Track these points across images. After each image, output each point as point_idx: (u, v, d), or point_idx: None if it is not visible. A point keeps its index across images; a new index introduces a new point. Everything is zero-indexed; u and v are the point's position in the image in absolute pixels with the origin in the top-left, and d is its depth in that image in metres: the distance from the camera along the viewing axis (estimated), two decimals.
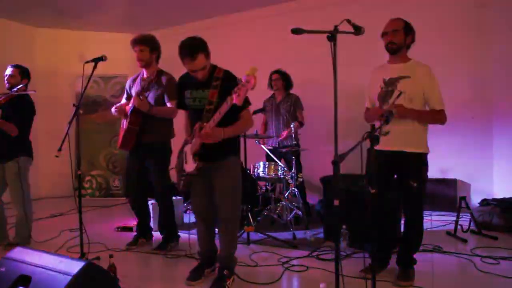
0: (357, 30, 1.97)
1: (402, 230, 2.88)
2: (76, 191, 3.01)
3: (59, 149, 2.71)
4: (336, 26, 1.81)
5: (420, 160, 2.49)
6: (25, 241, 3.53)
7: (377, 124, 2.52)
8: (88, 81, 2.91)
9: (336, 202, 1.79)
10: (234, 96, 2.06)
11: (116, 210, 5.29)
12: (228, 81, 2.39)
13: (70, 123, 2.87)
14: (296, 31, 1.76)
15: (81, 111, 5.96)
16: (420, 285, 2.45)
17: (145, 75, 3.29)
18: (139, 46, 3.16)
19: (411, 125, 2.47)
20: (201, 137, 2.33)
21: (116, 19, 6.07)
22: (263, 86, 4.70)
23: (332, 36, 1.79)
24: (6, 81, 3.51)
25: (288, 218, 3.93)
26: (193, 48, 2.32)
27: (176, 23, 6.22)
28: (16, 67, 3.55)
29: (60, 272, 1.76)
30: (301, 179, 4.21)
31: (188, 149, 2.53)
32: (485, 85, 4.46)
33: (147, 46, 3.18)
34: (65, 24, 6.18)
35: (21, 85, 3.48)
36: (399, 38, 2.50)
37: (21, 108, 3.45)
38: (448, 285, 2.54)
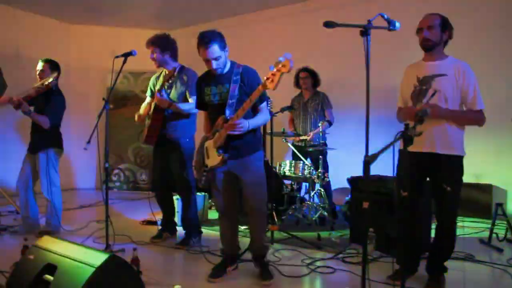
0: (391, 25, 1.89)
1: (433, 235, 2.76)
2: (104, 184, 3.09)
3: (88, 142, 2.75)
4: (369, 21, 1.73)
5: (454, 163, 2.36)
6: (55, 230, 3.64)
7: (410, 124, 2.44)
8: (118, 75, 2.95)
9: (366, 205, 1.70)
10: (267, 82, 2.05)
11: (142, 204, 5.37)
12: (248, 75, 2.45)
13: (99, 116, 2.92)
14: (328, 24, 1.70)
15: (111, 106, 6.18)
16: None
17: (166, 73, 3.31)
18: (150, 47, 3.22)
19: (445, 125, 2.35)
20: (227, 128, 2.33)
21: (147, 16, 6.16)
22: (287, 83, 4.65)
23: (365, 31, 1.72)
24: (38, 76, 3.62)
25: (313, 219, 3.86)
26: (208, 37, 2.36)
27: (206, 20, 6.25)
28: (45, 61, 3.65)
29: (84, 263, 1.78)
30: (327, 179, 4.13)
31: (209, 144, 2.53)
32: None
33: (157, 47, 3.22)
34: (98, 20, 6.33)
35: (51, 79, 3.57)
36: (435, 35, 2.37)
37: (52, 101, 3.56)
38: None
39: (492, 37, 4.29)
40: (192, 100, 3.18)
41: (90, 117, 6.40)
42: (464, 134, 2.42)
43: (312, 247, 3.28)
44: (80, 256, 1.84)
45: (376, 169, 4.13)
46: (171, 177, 3.42)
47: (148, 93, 3.50)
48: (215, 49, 2.37)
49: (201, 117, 3.07)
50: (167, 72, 3.32)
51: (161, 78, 3.36)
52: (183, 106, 3.16)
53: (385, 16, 1.90)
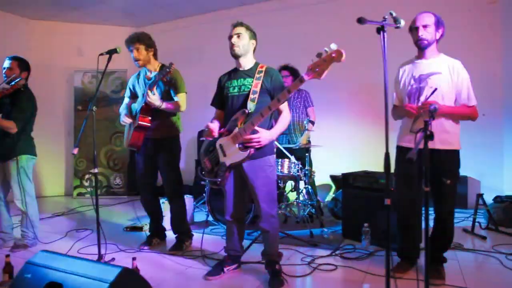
0: (397, 22, 1.91)
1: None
2: (78, 191, 2.88)
3: (77, 146, 2.56)
4: (385, 18, 1.73)
5: (453, 157, 2.43)
6: (32, 244, 3.38)
7: (408, 121, 2.49)
8: (103, 74, 2.75)
9: (388, 202, 1.70)
10: (312, 72, 2.03)
11: (120, 209, 5.14)
12: (271, 74, 2.46)
13: (86, 118, 2.70)
14: (361, 21, 1.71)
15: (79, 107, 5.86)
16: (452, 284, 2.41)
17: (148, 72, 3.16)
18: (134, 45, 3.03)
19: (443, 121, 2.41)
20: (245, 140, 2.32)
21: (113, 12, 5.87)
22: None
23: (381, 28, 1.71)
24: (4, 75, 3.32)
25: (302, 216, 3.86)
26: (241, 23, 2.50)
27: (177, 16, 6.07)
28: (14, 59, 3.35)
29: (95, 279, 1.65)
30: (314, 176, 4.14)
31: (224, 141, 2.45)
32: (495, 82, 4.46)
33: (143, 44, 3.06)
34: (62, 16, 5.96)
35: (19, 78, 3.30)
36: (430, 34, 2.43)
37: (19, 104, 3.27)
38: (480, 282, 2.50)
39: (463, 34, 4.48)
40: (179, 98, 3.06)
41: (55, 120, 6.03)
42: (459, 128, 2.50)
43: (307, 245, 3.28)
44: (88, 271, 1.70)
45: (360, 165, 4.28)
46: (156, 179, 3.30)
47: (127, 94, 3.33)
48: (241, 29, 2.45)
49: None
50: (149, 71, 3.16)
51: (143, 78, 3.19)
52: (172, 104, 3.04)
53: (394, 14, 1.91)
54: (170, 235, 3.42)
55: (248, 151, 2.33)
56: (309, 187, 4.05)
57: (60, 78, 6.08)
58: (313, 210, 4.01)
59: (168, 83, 3.06)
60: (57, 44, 6.06)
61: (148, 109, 3.01)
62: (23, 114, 3.28)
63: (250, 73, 2.49)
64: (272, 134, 2.40)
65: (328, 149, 4.35)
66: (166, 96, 3.07)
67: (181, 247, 3.14)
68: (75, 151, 2.55)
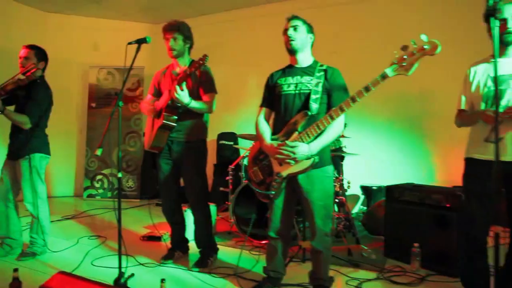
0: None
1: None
2: (89, 193, 2.55)
3: (100, 147, 2.23)
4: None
5: None
6: (41, 252, 3.06)
7: (481, 129, 2.15)
8: (131, 66, 2.42)
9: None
10: (399, 68, 1.76)
11: (133, 214, 4.81)
12: (333, 73, 2.17)
13: (112, 115, 2.37)
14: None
15: (93, 105, 5.57)
16: None
17: (177, 67, 2.84)
18: (172, 33, 2.72)
19: None
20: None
21: (131, 7, 5.58)
22: None
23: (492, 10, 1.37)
24: (20, 65, 3.02)
25: (336, 231, 3.52)
26: (297, 16, 2.23)
27: (200, 13, 5.76)
28: (31, 47, 3.06)
29: None
30: (349, 187, 3.80)
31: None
32: None
33: (182, 34, 2.74)
34: (78, 10, 5.67)
35: (34, 68, 2.99)
36: None
37: (34, 96, 2.96)
38: None
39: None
40: (209, 98, 2.74)
41: (67, 117, 5.74)
42: None
43: (348, 265, 2.92)
44: None
45: (407, 177, 3.90)
46: (179, 185, 2.98)
47: (150, 91, 3.00)
48: (298, 21, 2.20)
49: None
50: (178, 67, 2.83)
51: (169, 74, 2.86)
52: (203, 103, 2.71)
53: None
54: (193, 247, 3.09)
55: (313, 159, 2.00)
56: (342, 198, 3.71)
57: (74, 73, 5.78)
58: (347, 223, 3.65)
59: (198, 80, 2.73)
60: (73, 38, 5.77)
61: (174, 106, 2.68)
62: (38, 108, 2.98)
63: (308, 70, 2.18)
64: (312, 149, 2.05)
65: (356, 158, 3.98)
66: (195, 95, 2.74)
67: (206, 264, 2.80)
68: (99, 152, 2.21)
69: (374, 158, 4.64)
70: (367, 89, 1.88)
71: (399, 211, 3.06)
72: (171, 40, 2.73)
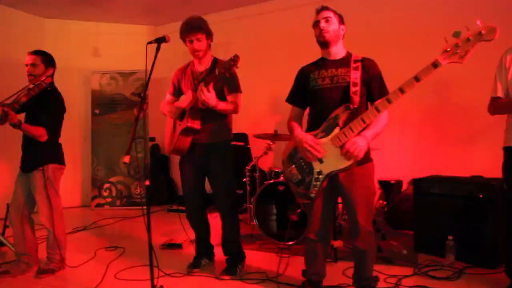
0: None
1: None
2: (97, 202, 2.41)
3: (128, 153, 2.10)
4: None
5: None
6: (59, 268, 2.92)
7: None
8: (152, 67, 2.30)
9: None
10: (449, 56, 1.64)
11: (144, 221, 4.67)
12: (369, 63, 2.06)
13: (137, 119, 2.24)
14: None
15: (97, 111, 5.43)
16: None
17: (198, 66, 2.71)
18: (195, 34, 2.55)
19: None
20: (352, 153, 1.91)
21: (134, 9, 5.45)
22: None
23: None
24: (27, 73, 2.87)
25: None
26: (327, 6, 2.12)
27: (203, 12, 5.56)
28: (37, 53, 2.89)
29: None
30: None
31: (321, 143, 2.01)
32: None
33: (204, 32, 2.59)
34: (77, 14, 5.52)
35: (44, 77, 2.85)
36: None
37: (48, 106, 2.83)
38: None
39: None
40: (235, 98, 2.63)
41: (70, 124, 5.54)
42: None
43: (380, 261, 2.83)
44: None
45: (410, 168, 3.80)
46: (204, 190, 2.87)
47: (170, 91, 2.88)
48: (329, 12, 2.09)
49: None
50: (199, 65, 2.70)
51: (190, 73, 2.74)
52: (230, 104, 2.59)
53: None
54: (218, 253, 2.99)
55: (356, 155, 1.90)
56: None
57: (76, 80, 5.62)
58: None
59: (224, 79, 2.58)
60: (72, 44, 5.61)
61: (199, 108, 2.56)
62: (53, 119, 2.86)
63: (343, 62, 2.08)
64: (368, 140, 1.96)
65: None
66: (220, 95, 2.60)
67: (235, 271, 2.67)
68: (127, 159, 2.08)
69: (389, 151, 4.56)
70: (417, 79, 1.78)
71: (428, 204, 2.98)
72: (195, 41, 2.57)
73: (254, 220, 3.51)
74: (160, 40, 2.31)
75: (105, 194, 5.44)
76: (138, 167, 5.46)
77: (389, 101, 1.84)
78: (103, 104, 5.45)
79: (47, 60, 2.93)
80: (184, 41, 2.64)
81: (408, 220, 3.44)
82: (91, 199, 5.41)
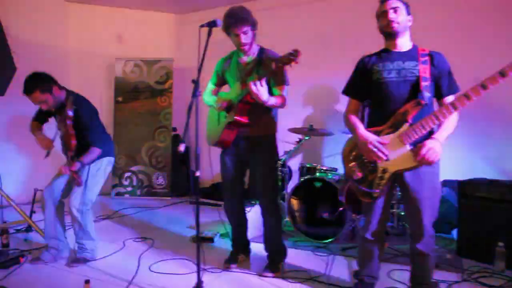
0: None
1: None
2: (117, 190, 2.30)
3: (182, 141, 1.97)
4: None
5: None
6: (90, 256, 2.86)
7: None
8: (205, 50, 2.16)
9: None
10: None
11: (168, 213, 4.60)
12: (438, 57, 1.94)
13: (190, 106, 2.11)
14: None
15: (119, 99, 5.33)
16: None
17: (244, 56, 2.57)
18: (242, 28, 2.39)
19: None
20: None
21: None
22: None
23: None
24: (46, 111, 2.83)
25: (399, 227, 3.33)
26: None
27: (230, 2, 5.47)
28: (30, 91, 2.59)
29: None
30: None
31: (387, 140, 1.90)
32: None
33: (250, 23, 2.43)
34: None
35: (62, 99, 2.75)
36: None
37: (84, 121, 2.74)
38: None
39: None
40: (282, 92, 2.50)
41: None
42: None
43: None
44: None
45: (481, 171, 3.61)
46: (244, 184, 2.78)
47: (213, 80, 2.75)
48: (397, 2, 1.96)
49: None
50: (246, 55, 2.54)
51: (236, 63, 2.62)
52: (277, 100, 2.45)
53: None
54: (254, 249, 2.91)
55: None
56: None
57: (99, 66, 5.52)
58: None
59: (272, 72, 2.39)
60: (96, 29, 5.50)
61: (249, 102, 2.43)
62: (95, 130, 2.81)
63: (410, 55, 1.95)
64: (442, 142, 1.85)
65: None
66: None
67: (277, 269, 2.58)
68: (182, 147, 1.97)
69: None
70: (502, 74, 1.65)
71: (475, 208, 2.85)
72: (241, 35, 2.42)
73: (287, 217, 3.41)
74: (211, 24, 2.18)
75: (126, 183, 5.35)
76: (160, 156, 5.37)
77: (468, 98, 1.72)
78: (126, 92, 5.35)
79: (44, 86, 2.63)
80: (228, 34, 2.50)
81: (442, 223, 3.32)
82: (111, 187, 5.33)
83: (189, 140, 5.85)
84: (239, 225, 2.80)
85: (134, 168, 5.36)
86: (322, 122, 4.42)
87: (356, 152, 2.00)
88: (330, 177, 3.44)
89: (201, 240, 3.36)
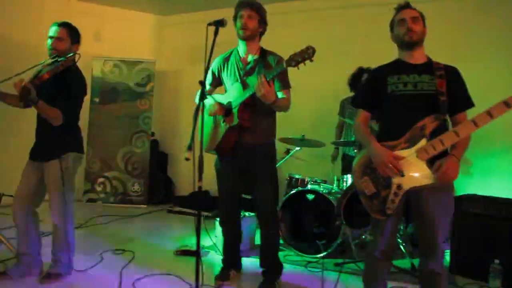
0: None
1: None
2: (89, 196, 2.11)
3: (189, 148, 1.78)
4: None
5: None
6: (66, 271, 2.58)
7: None
8: (212, 50, 2.00)
9: None
10: None
11: (145, 222, 4.34)
12: (453, 72, 1.88)
13: (197, 109, 1.92)
14: None
15: (97, 99, 5.03)
16: None
17: (245, 54, 2.44)
18: (248, 10, 2.34)
19: None
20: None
21: None
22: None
23: None
24: (51, 48, 2.48)
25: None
26: (411, 5, 1.94)
27: (214, 6, 5.34)
28: (64, 25, 2.50)
29: None
30: None
31: (404, 155, 1.81)
32: None
33: (258, 13, 2.37)
34: None
35: (71, 54, 2.49)
36: None
37: (69, 88, 2.46)
38: None
39: None
40: (286, 95, 2.39)
41: None
42: None
43: (415, 280, 2.67)
44: None
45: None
46: (241, 194, 2.65)
47: (209, 79, 2.57)
48: (416, 12, 1.90)
49: None
50: (247, 53, 2.43)
51: (235, 61, 2.48)
52: (284, 101, 2.35)
53: None
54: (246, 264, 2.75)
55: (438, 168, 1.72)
56: None
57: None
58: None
59: (272, 72, 2.28)
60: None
61: (252, 104, 2.30)
62: (73, 103, 2.49)
63: (426, 68, 1.88)
64: (459, 159, 1.78)
65: None
66: None
67: (273, 286, 2.44)
68: (189, 155, 1.78)
69: None
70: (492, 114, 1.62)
71: (469, 224, 2.85)
72: (246, 17, 2.34)
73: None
74: (218, 23, 2.04)
75: (99, 189, 5.03)
76: (136, 162, 5.09)
77: (490, 115, 1.67)
78: (104, 93, 5.05)
79: (75, 34, 2.56)
80: (235, 21, 2.40)
81: None
82: (82, 193, 4.99)
83: (164, 145, 5.62)
84: (234, 238, 2.64)
85: (108, 174, 5.05)
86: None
87: (369, 166, 1.91)
88: (321, 189, 3.35)
89: (186, 254, 3.17)
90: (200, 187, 1.87)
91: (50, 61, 2.48)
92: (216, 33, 2.02)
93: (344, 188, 3.42)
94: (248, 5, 2.35)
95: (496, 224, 2.72)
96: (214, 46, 1.98)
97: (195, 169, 1.77)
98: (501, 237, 2.68)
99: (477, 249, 2.77)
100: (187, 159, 1.70)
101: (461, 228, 2.89)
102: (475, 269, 2.73)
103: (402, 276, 2.79)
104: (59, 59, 2.43)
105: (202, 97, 1.91)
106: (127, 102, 5.08)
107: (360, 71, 3.78)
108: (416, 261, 3.01)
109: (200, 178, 1.86)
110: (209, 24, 1.99)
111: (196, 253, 1.86)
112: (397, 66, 1.95)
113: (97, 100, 5.05)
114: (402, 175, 1.79)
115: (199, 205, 1.86)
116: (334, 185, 3.52)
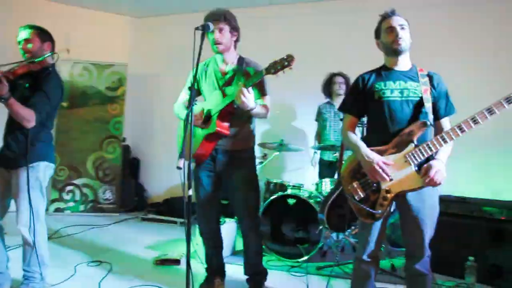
0: None
1: None
2: (56, 206, 1.98)
3: (180, 156, 1.73)
4: None
5: None
6: (38, 286, 2.43)
7: None
8: (199, 53, 1.95)
9: None
10: None
11: (119, 231, 4.18)
12: (438, 79, 1.95)
13: (190, 111, 1.85)
14: None
15: (65, 104, 4.82)
16: None
17: (223, 63, 2.44)
18: (218, 23, 2.30)
19: None
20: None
21: None
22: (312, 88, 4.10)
23: None
24: (23, 52, 2.37)
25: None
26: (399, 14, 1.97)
27: (192, 9, 5.26)
28: (29, 27, 2.40)
29: None
30: None
31: (391, 161, 1.84)
32: None
33: (228, 24, 2.35)
34: None
35: (48, 54, 2.40)
36: None
37: (45, 88, 2.31)
38: None
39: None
40: (265, 102, 2.39)
41: None
42: None
43: (397, 281, 2.76)
44: None
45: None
46: (221, 202, 2.61)
47: (186, 88, 2.54)
48: (404, 21, 1.94)
49: None
50: (225, 62, 2.42)
51: (212, 69, 2.45)
52: (262, 109, 2.34)
53: None
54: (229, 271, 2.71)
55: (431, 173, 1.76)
56: None
57: None
58: None
59: (251, 79, 2.28)
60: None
61: (231, 112, 2.27)
62: (48, 103, 2.32)
63: (411, 75, 1.94)
64: (444, 163, 1.84)
65: None
66: None
67: None
68: (181, 163, 1.72)
69: None
70: (509, 100, 1.69)
71: (446, 224, 2.95)
72: (217, 32, 2.30)
73: None
74: (204, 28, 2.00)
75: (67, 197, 4.80)
76: (107, 169, 4.91)
77: (474, 121, 1.74)
78: (73, 97, 4.84)
79: (42, 33, 2.44)
80: (207, 36, 2.35)
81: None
82: (49, 202, 4.74)
83: (136, 151, 5.46)
84: (215, 246, 2.58)
85: (77, 181, 4.83)
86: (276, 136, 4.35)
87: (358, 171, 1.93)
88: (301, 193, 3.37)
89: (166, 262, 3.08)
90: (190, 196, 1.82)
91: (26, 62, 2.35)
92: (202, 37, 1.98)
93: (323, 192, 3.46)
94: (216, 17, 2.29)
95: (470, 223, 2.85)
96: (201, 52, 1.94)
97: (185, 178, 1.72)
98: (474, 235, 2.80)
99: (452, 247, 2.88)
100: (178, 167, 1.65)
101: (438, 228, 3.00)
102: (450, 267, 2.85)
103: (383, 276, 2.84)
104: (35, 60, 2.32)
105: (192, 103, 1.86)
106: (97, 107, 4.89)
107: (331, 76, 3.88)
108: (395, 261, 3.12)
109: (190, 186, 1.81)
110: (197, 29, 1.95)
111: (186, 262, 1.79)
112: (383, 73, 1.99)
113: (65, 104, 4.82)
114: (391, 180, 1.83)
115: (187, 212, 1.80)
116: (314, 190, 3.55)
